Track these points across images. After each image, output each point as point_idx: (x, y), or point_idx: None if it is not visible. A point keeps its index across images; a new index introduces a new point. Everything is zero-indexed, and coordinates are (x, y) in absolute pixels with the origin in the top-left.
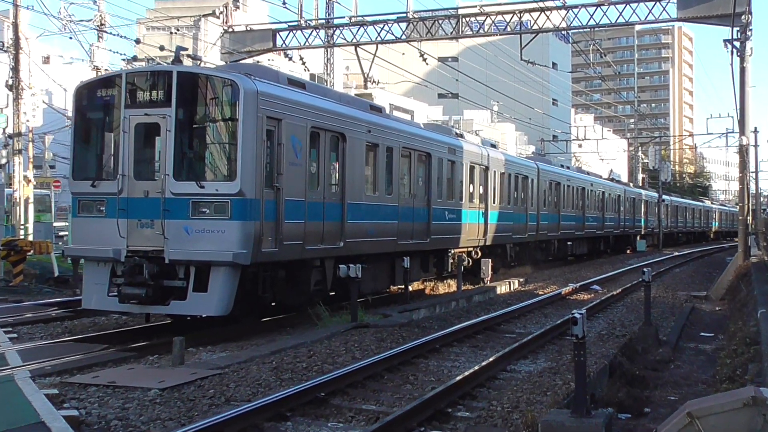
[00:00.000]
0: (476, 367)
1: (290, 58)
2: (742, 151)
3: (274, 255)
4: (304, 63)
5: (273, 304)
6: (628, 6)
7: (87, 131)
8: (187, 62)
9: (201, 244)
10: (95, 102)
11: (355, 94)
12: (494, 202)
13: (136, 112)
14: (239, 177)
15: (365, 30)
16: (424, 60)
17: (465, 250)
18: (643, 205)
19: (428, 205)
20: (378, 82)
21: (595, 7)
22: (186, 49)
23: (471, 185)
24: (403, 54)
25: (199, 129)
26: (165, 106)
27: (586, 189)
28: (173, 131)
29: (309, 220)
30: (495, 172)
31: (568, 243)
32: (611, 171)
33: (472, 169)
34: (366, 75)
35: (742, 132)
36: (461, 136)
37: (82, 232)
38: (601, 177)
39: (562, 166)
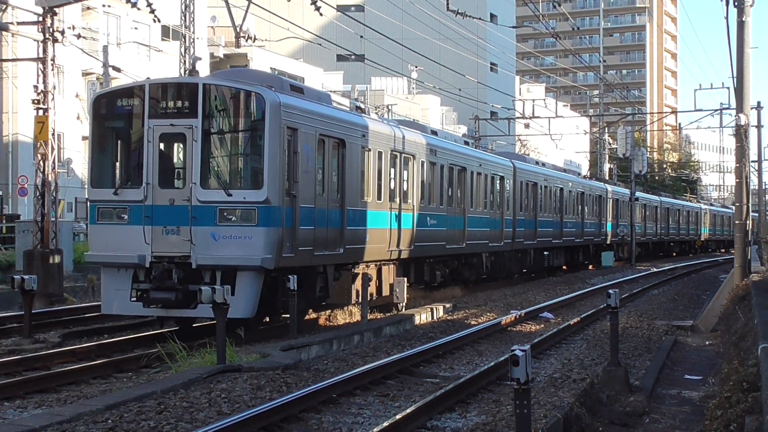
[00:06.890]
0: (386, 423)
1: (134, 4)
2: (741, 133)
3: (291, 260)
4: (153, 11)
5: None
6: None
7: (106, 140)
8: None
9: (228, 250)
10: (115, 111)
11: (224, 55)
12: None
13: (160, 122)
14: (266, 186)
15: None
16: (317, 9)
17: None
18: (610, 206)
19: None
20: (255, 39)
21: None
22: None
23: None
24: (290, 0)
25: (225, 139)
26: (191, 117)
27: (564, 190)
28: (200, 141)
29: (318, 227)
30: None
31: (545, 253)
32: (589, 164)
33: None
34: (239, 29)
35: (740, 108)
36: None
37: (102, 239)
38: (580, 174)
39: (537, 162)
